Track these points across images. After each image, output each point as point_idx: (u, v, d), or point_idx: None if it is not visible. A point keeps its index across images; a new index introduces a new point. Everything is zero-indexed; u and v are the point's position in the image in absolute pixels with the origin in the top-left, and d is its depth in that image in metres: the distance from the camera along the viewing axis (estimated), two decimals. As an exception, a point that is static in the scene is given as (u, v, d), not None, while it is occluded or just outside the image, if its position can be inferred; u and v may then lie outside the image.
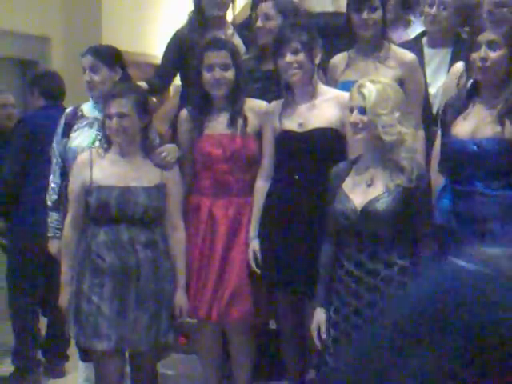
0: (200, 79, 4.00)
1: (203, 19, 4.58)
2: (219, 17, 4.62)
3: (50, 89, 4.95)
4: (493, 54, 3.44)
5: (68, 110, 4.27)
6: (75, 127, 4.15)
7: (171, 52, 4.68)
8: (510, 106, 3.41)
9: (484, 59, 3.44)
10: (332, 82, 4.18)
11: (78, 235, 3.87)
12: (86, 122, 4.15)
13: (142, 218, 3.81)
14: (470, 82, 3.61)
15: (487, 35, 3.45)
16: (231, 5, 4.63)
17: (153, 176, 3.88)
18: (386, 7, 4.18)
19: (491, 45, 3.44)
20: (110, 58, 4.20)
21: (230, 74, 3.98)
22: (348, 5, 4.17)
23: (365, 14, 4.04)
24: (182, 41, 4.61)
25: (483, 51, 3.44)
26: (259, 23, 4.38)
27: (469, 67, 3.55)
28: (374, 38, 4.11)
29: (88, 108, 4.21)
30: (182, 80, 4.74)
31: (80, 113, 4.19)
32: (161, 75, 4.73)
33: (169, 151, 3.95)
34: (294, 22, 4.06)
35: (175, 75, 4.76)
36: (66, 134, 4.16)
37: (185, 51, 4.51)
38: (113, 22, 6.32)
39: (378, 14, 4.06)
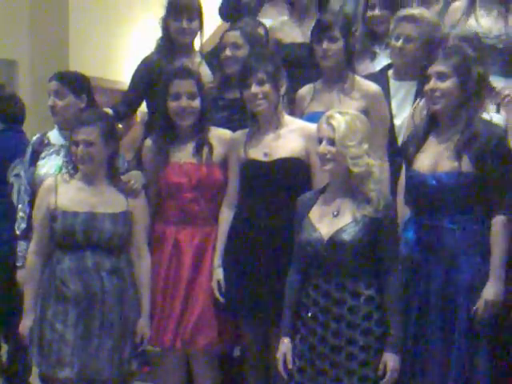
0: (165, 108, 4.01)
1: (171, 46, 4.60)
2: (187, 44, 4.64)
3: (9, 112, 4.93)
4: (442, 85, 3.48)
5: (35, 138, 4.27)
6: (42, 155, 4.15)
7: (138, 79, 4.69)
8: (467, 139, 3.45)
9: (433, 90, 3.49)
10: (299, 112, 4.22)
11: (41, 262, 3.86)
12: (52, 150, 4.16)
13: (108, 245, 3.81)
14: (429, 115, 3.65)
15: (436, 67, 3.51)
16: (199, 32, 4.66)
17: (119, 203, 3.88)
18: (352, 38, 4.22)
19: (440, 76, 3.49)
20: (77, 84, 4.20)
21: (196, 103, 4.00)
22: (310, 35, 4.23)
23: (324, 45, 4.09)
24: (149, 68, 4.62)
25: (432, 82, 3.50)
26: (227, 52, 4.41)
27: (426, 100, 3.61)
28: (337, 69, 4.16)
29: (54, 135, 4.21)
30: (148, 107, 4.74)
31: (46, 140, 4.20)
32: (127, 102, 4.74)
33: (135, 178, 3.96)
34: (259, 52, 4.10)
35: (142, 102, 4.76)
36: (34, 162, 4.16)
37: (152, 78, 4.51)
38: (80, 47, 6.33)
39: (338, 45, 4.11)
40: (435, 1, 5.14)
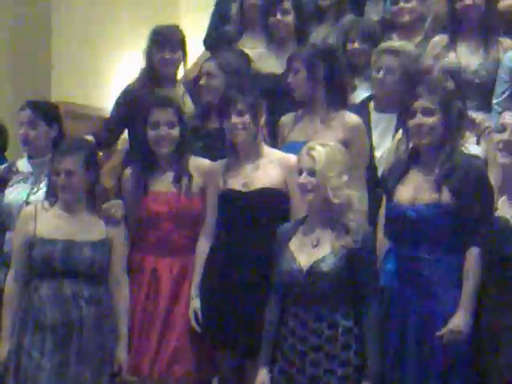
0: (145, 136, 4.02)
1: (153, 77, 4.63)
2: (170, 75, 4.67)
3: None
4: (428, 121, 3.51)
5: (2, 167, 4.30)
6: (10, 183, 4.16)
7: (120, 107, 4.72)
8: (446, 171, 3.47)
9: (420, 125, 3.51)
10: (280, 141, 4.24)
11: (20, 289, 3.83)
12: (20, 178, 4.17)
13: (86, 273, 3.79)
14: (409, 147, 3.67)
15: (422, 102, 3.53)
16: (182, 63, 4.69)
17: (98, 231, 3.88)
18: (332, 69, 4.20)
19: (426, 111, 3.51)
20: (50, 113, 4.22)
21: (175, 132, 4.01)
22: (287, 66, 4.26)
23: (290, 77, 4.14)
24: (131, 96, 4.64)
25: (418, 118, 3.52)
26: (202, 81, 4.45)
27: (407, 133, 3.62)
28: (313, 100, 4.17)
29: (23, 163, 4.22)
30: (129, 136, 4.75)
31: (15, 168, 4.21)
32: (109, 130, 4.75)
33: (115, 207, 3.96)
34: (239, 83, 4.12)
35: (123, 130, 4.77)
36: (2, 189, 4.17)
37: (133, 107, 4.53)
38: (62, 74, 6.32)
39: (298, 76, 4.14)
40: (415, 34, 5.19)
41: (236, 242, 3.85)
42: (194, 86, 4.83)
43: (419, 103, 3.53)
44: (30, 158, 4.19)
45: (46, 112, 4.21)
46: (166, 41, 4.66)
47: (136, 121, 4.24)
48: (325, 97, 4.15)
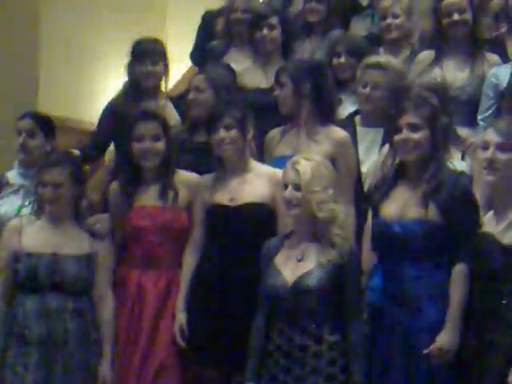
0: (130, 150, 4.02)
1: (136, 90, 4.64)
2: (152, 87, 4.68)
3: None
4: (414, 136, 3.51)
5: None
6: (1, 195, 4.14)
7: (105, 121, 4.73)
8: (433, 187, 3.48)
9: (406, 141, 3.52)
10: (267, 155, 4.24)
11: (7, 304, 3.81)
12: (11, 190, 4.15)
13: (71, 287, 3.78)
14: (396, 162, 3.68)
15: (408, 118, 3.53)
16: (164, 76, 4.69)
17: (83, 245, 3.87)
18: (321, 86, 4.21)
19: (412, 127, 3.52)
20: (49, 126, 4.23)
21: (160, 145, 4.00)
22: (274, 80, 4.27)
23: (276, 91, 4.15)
24: (115, 110, 4.65)
25: (405, 134, 3.53)
26: (191, 95, 4.45)
27: (393, 148, 3.63)
28: (300, 115, 4.17)
29: (13, 175, 4.21)
30: (115, 149, 4.75)
31: (5, 180, 4.20)
32: (94, 144, 4.75)
33: (101, 221, 3.97)
34: (228, 98, 4.13)
35: (109, 144, 4.77)
36: None
37: (118, 121, 4.54)
38: (49, 87, 6.32)
39: (285, 91, 4.15)
40: (402, 49, 5.22)
41: (223, 257, 3.84)
42: (181, 100, 4.84)
43: (405, 119, 3.54)
44: (21, 169, 4.17)
45: (45, 124, 4.23)
46: (146, 54, 4.70)
47: (121, 135, 4.24)
48: (311, 111, 4.16)
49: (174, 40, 6.38)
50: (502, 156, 3.30)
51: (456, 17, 4.76)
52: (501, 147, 3.30)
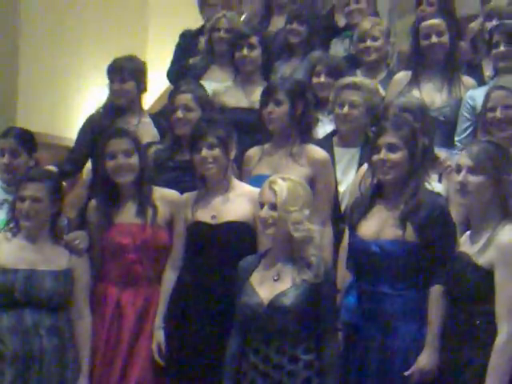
0: (104, 168, 4.02)
1: (113, 107, 4.64)
2: (127, 105, 4.68)
3: None
4: (393, 156, 3.54)
5: None
6: None
7: (83, 138, 4.74)
8: (411, 208, 3.50)
9: (384, 161, 3.54)
10: (246, 174, 4.24)
11: None
12: None
13: (48, 303, 3.77)
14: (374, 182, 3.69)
15: (387, 138, 3.56)
16: (137, 94, 4.70)
17: (60, 261, 3.86)
18: (301, 103, 4.22)
19: (391, 147, 3.54)
20: (31, 143, 4.23)
21: (133, 161, 4.01)
22: (260, 100, 4.28)
23: (269, 107, 4.14)
24: (93, 127, 4.66)
25: (383, 154, 3.55)
26: (179, 114, 4.42)
27: (372, 168, 3.65)
28: (285, 133, 4.19)
29: None
30: (92, 166, 4.74)
31: None
32: (72, 160, 4.74)
33: (79, 238, 3.95)
34: (210, 116, 4.13)
35: (86, 161, 4.77)
36: None
37: (95, 138, 4.55)
38: (28, 102, 6.31)
39: (282, 108, 4.14)
40: (379, 71, 5.26)
41: (203, 275, 3.84)
42: (161, 117, 4.85)
43: (384, 139, 3.56)
44: (4, 184, 4.18)
45: (27, 141, 4.23)
46: (115, 72, 4.73)
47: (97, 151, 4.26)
48: (297, 130, 4.18)
49: (154, 58, 6.39)
50: (474, 179, 3.32)
51: (434, 39, 4.81)
52: (472, 171, 3.33)
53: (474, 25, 5.60)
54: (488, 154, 3.33)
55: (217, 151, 3.87)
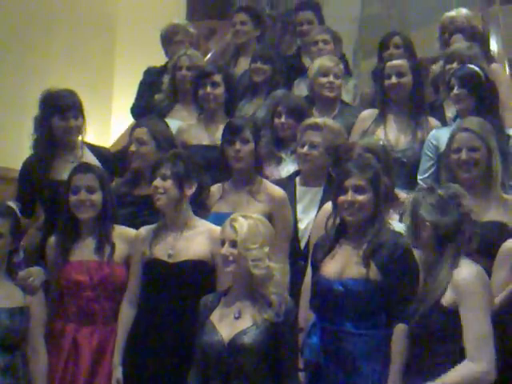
0: (67, 203, 4.00)
1: (53, 144, 4.51)
2: (70, 141, 4.55)
3: None
4: (360, 198, 3.57)
5: None
6: None
7: (23, 183, 4.56)
8: (374, 247, 3.52)
9: (351, 203, 3.57)
10: (206, 210, 4.22)
11: None
12: None
13: (3, 341, 3.71)
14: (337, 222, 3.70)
15: (353, 180, 3.59)
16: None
17: (16, 297, 3.82)
18: (260, 143, 4.29)
19: (357, 189, 3.58)
20: None
21: (96, 197, 3.99)
22: (222, 137, 4.30)
23: (237, 145, 4.16)
24: (30, 171, 4.51)
25: (350, 195, 3.58)
26: (133, 148, 4.45)
27: (336, 208, 3.67)
28: (247, 172, 4.23)
29: None
30: (41, 206, 4.62)
31: None
32: (22, 200, 4.55)
33: (34, 274, 3.90)
34: (173, 151, 4.11)
35: (35, 201, 4.63)
36: None
37: (34, 181, 4.46)
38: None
39: (249, 147, 4.19)
40: (333, 108, 5.26)
41: (159, 313, 3.81)
42: (122, 153, 4.81)
43: (351, 181, 3.59)
44: None
45: None
46: (69, 109, 4.50)
47: (42, 194, 4.33)
48: (255, 169, 4.25)
49: (120, 94, 6.38)
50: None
51: (394, 79, 4.86)
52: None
53: (436, 67, 5.66)
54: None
55: (168, 183, 3.87)
